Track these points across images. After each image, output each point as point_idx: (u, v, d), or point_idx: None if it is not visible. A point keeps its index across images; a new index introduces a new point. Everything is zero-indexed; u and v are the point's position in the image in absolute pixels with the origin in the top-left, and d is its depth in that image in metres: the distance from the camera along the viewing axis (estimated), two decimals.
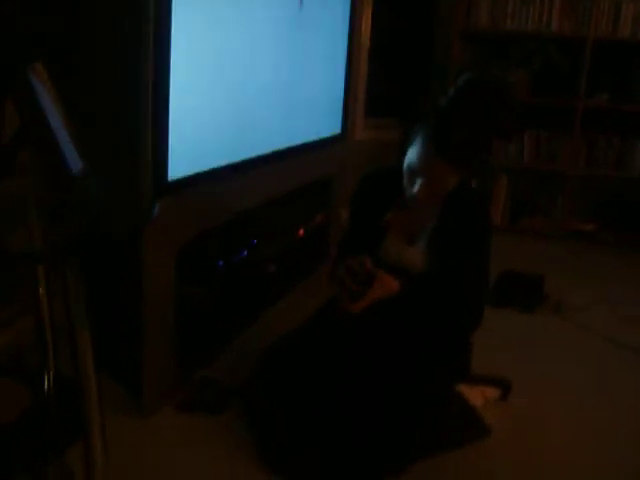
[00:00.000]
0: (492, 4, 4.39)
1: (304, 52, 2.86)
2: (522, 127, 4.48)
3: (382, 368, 2.00)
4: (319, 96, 3.14)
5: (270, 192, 2.74)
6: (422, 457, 1.95)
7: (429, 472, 1.93)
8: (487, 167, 4.39)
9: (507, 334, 2.89)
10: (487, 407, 2.22)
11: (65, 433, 1.69)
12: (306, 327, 2.24)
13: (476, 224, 2.06)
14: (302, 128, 2.98)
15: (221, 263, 2.47)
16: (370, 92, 4.34)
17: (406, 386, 1.97)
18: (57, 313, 1.30)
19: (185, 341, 2.26)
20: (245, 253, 2.65)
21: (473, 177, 2.30)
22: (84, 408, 1.27)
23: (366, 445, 1.89)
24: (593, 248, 4.36)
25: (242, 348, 2.58)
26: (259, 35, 2.43)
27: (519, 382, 2.36)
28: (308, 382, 2.02)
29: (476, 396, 2.21)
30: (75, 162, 1.05)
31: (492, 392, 2.29)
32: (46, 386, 1.36)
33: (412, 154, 1.94)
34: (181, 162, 2.04)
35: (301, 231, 3.24)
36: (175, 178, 2.02)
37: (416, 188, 1.94)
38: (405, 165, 1.97)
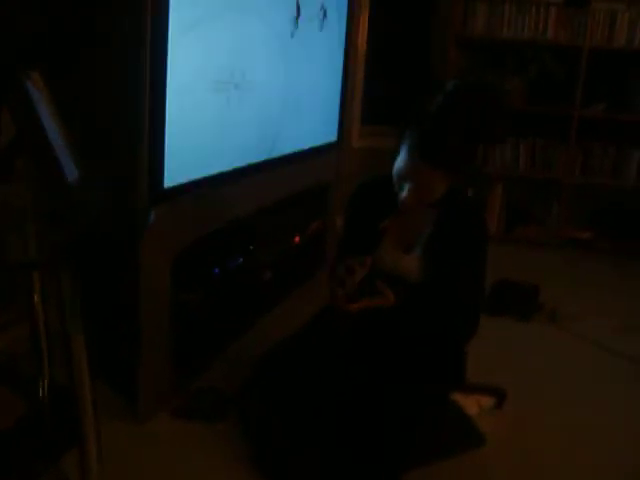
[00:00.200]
0: (488, 12, 4.40)
1: (301, 60, 2.87)
2: (514, 132, 4.47)
3: (379, 370, 2.00)
4: (315, 103, 3.15)
5: (266, 199, 2.74)
6: (418, 464, 1.95)
7: None
8: (481, 175, 4.40)
9: (503, 343, 2.88)
10: (482, 416, 2.21)
11: (60, 440, 1.68)
12: (302, 333, 2.24)
13: (472, 232, 2.06)
14: (299, 135, 2.99)
15: (217, 270, 2.47)
16: (366, 99, 4.35)
17: (404, 387, 1.97)
18: (52, 320, 1.30)
19: (181, 347, 2.25)
20: (241, 260, 2.65)
21: (464, 183, 2.30)
22: (79, 415, 1.27)
23: (365, 448, 1.88)
24: (589, 256, 4.36)
25: (238, 355, 2.57)
26: (255, 43, 2.44)
27: (514, 391, 2.36)
28: (305, 386, 2.02)
29: (471, 405, 2.21)
30: (71, 170, 1.05)
31: (487, 401, 2.29)
32: (41, 393, 1.35)
33: (400, 160, 1.96)
34: (177, 170, 2.04)
35: (297, 238, 3.24)
36: (171, 185, 2.02)
37: (404, 193, 1.96)
38: (394, 171, 1.99)
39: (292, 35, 2.73)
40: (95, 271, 1.96)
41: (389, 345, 2.05)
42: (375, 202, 2.14)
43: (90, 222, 1.09)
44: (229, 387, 2.29)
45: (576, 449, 2.17)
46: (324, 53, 3.14)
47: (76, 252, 1.11)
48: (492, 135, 2.04)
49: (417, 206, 1.99)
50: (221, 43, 2.19)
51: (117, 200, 1.83)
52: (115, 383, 2.18)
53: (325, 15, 3.01)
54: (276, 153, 2.76)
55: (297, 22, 2.73)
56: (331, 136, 3.41)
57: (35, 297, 1.23)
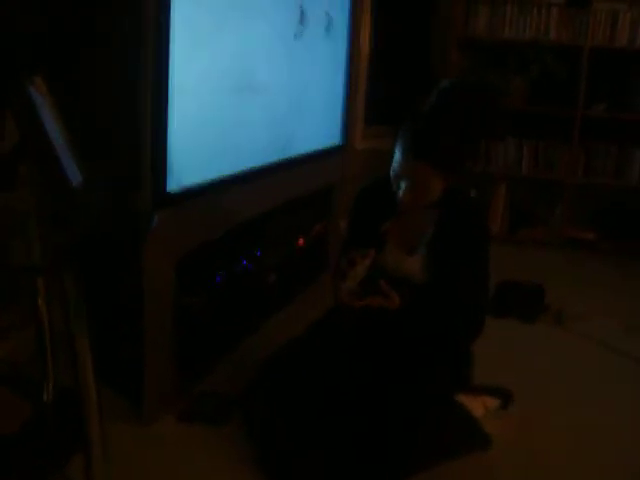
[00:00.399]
0: (490, 12, 4.41)
1: (305, 63, 2.87)
2: (516, 132, 4.47)
3: (383, 370, 2.00)
4: (319, 106, 3.15)
5: (270, 202, 2.74)
6: (423, 465, 1.94)
7: None
8: (484, 175, 4.40)
9: (508, 344, 2.88)
10: (488, 417, 2.21)
11: (65, 444, 1.68)
12: (306, 336, 2.24)
13: (473, 232, 2.06)
14: (302, 138, 2.99)
15: (221, 273, 2.47)
16: (369, 100, 4.34)
17: (408, 387, 1.97)
18: (57, 323, 1.30)
19: (185, 350, 2.25)
20: (245, 263, 2.65)
21: (465, 183, 2.30)
22: (84, 418, 1.27)
23: (368, 449, 1.88)
24: (593, 257, 4.35)
25: (242, 358, 2.57)
26: (259, 46, 2.44)
27: (520, 392, 2.35)
28: (309, 387, 2.02)
29: (477, 406, 2.20)
30: (75, 174, 1.05)
31: (493, 402, 2.28)
32: (46, 397, 1.35)
33: (395, 159, 1.96)
34: (180, 173, 2.04)
35: (301, 241, 3.24)
36: (174, 190, 2.03)
37: (401, 192, 1.96)
38: (391, 169, 1.99)
39: (296, 38, 2.73)
40: (99, 274, 1.96)
41: (393, 345, 2.04)
42: (377, 204, 2.14)
43: (93, 224, 1.09)
44: (233, 390, 2.29)
45: (582, 450, 2.17)
46: (328, 56, 3.14)
47: (79, 254, 1.11)
48: (487, 133, 2.05)
49: (415, 205, 2.00)
50: (228, 46, 2.19)
51: (120, 203, 1.83)
52: (120, 386, 2.18)
53: (330, 19, 3.02)
54: (280, 156, 2.76)
55: (302, 25, 2.73)
56: (334, 138, 3.41)
57: (39, 300, 1.24)
